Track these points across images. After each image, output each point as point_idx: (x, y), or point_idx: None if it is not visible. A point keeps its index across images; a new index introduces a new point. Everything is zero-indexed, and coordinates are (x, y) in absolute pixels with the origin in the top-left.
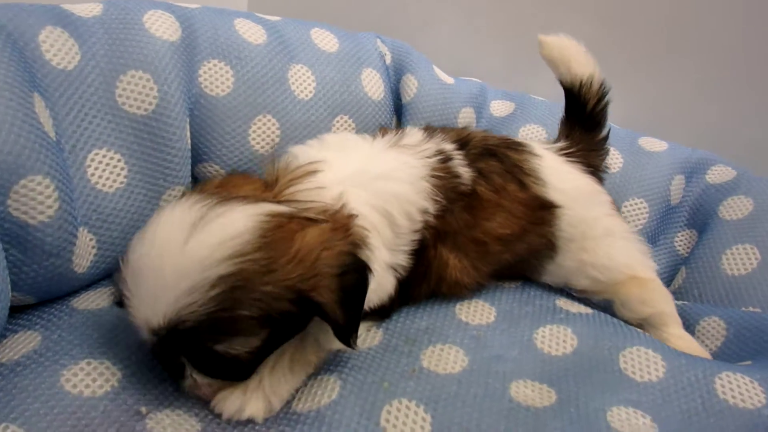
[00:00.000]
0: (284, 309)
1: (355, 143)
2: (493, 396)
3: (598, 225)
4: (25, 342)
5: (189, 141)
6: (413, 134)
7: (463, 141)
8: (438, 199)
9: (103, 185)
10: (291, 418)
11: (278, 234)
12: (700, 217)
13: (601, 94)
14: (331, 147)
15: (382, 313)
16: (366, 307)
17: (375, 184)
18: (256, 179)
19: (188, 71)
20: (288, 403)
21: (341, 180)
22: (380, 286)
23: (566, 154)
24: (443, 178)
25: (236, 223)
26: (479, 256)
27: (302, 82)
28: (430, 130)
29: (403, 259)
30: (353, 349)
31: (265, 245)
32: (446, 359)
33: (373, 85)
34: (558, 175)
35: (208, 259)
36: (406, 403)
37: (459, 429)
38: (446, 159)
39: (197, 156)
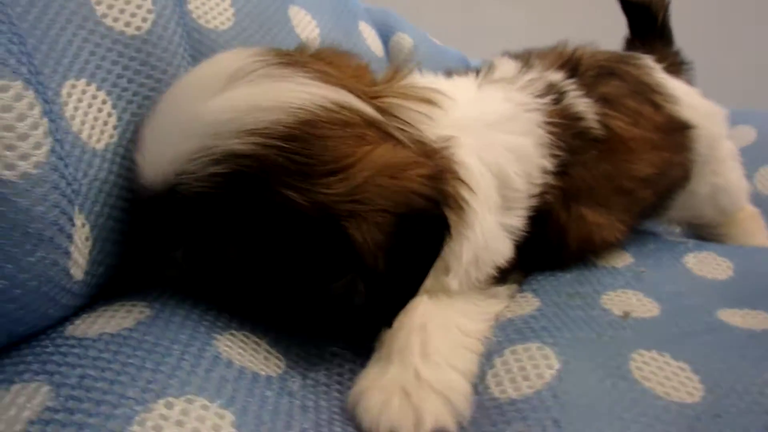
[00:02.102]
0: (303, 232)
1: (454, 84)
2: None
3: (723, 146)
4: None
5: None
6: (504, 64)
7: (572, 65)
8: (560, 153)
9: (89, 137)
10: (505, 410)
11: (337, 133)
12: None
13: (667, 4)
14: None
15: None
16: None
17: (489, 135)
18: (365, 70)
19: None
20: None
21: (454, 123)
22: (492, 250)
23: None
24: (563, 126)
25: (285, 96)
26: (625, 207)
27: (305, 25)
28: (522, 57)
29: (518, 222)
30: (389, 327)
31: (310, 139)
32: (631, 303)
33: (372, 40)
34: (683, 90)
35: (225, 126)
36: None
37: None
38: (560, 96)
39: None
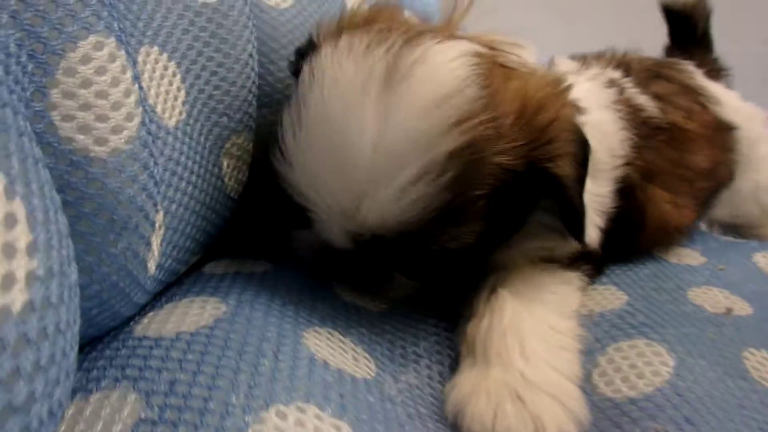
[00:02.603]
0: (516, 183)
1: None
2: None
3: (763, 146)
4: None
5: (257, 61)
6: (563, 62)
7: (625, 66)
8: (632, 136)
9: (163, 111)
10: (625, 410)
11: (496, 84)
12: None
13: (708, 14)
14: None
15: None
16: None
17: None
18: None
19: None
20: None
21: None
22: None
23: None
24: (630, 113)
25: (449, 70)
26: (690, 195)
27: (359, 6)
28: (578, 58)
29: (605, 191)
30: (585, 245)
31: (490, 100)
32: (719, 300)
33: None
34: (725, 93)
35: (431, 132)
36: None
37: None
38: (622, 89)
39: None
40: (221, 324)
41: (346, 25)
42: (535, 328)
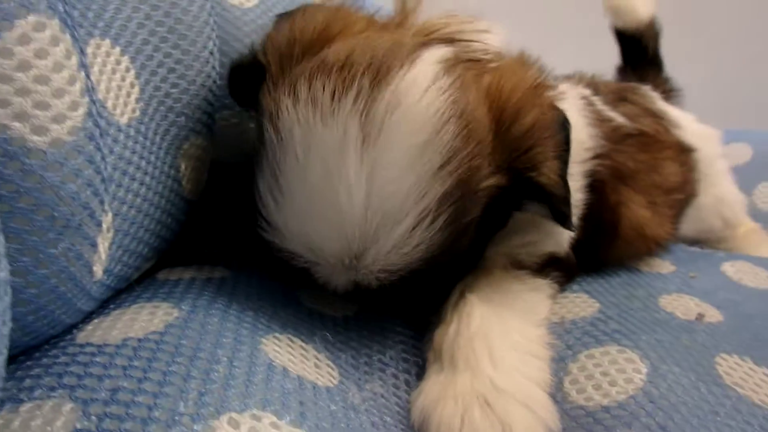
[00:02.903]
0: (503, 195)
1: None
2: None
3: (719, 163)
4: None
5: (218, 60)
6: None
7: (594, 86)
8: (602, 141)
9: (114, 107)
10: (598, 417)
11: (471, 96)
12: None
13: (659, 32)
14: None
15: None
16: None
17: None
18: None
19: None
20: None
21: None
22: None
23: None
24: (599, 120)
25: (424, 109)
26: (666, 205)
27: None
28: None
29: (576, 185)
30: (572, 231)
31: (469, 126)
32: (691, 307)
33: None
34: (684, 117)
35: (420, 182)
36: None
37: None
38: (591, 103)
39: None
40: (172, 329)
41: (298, 45)
42: (505, 335)
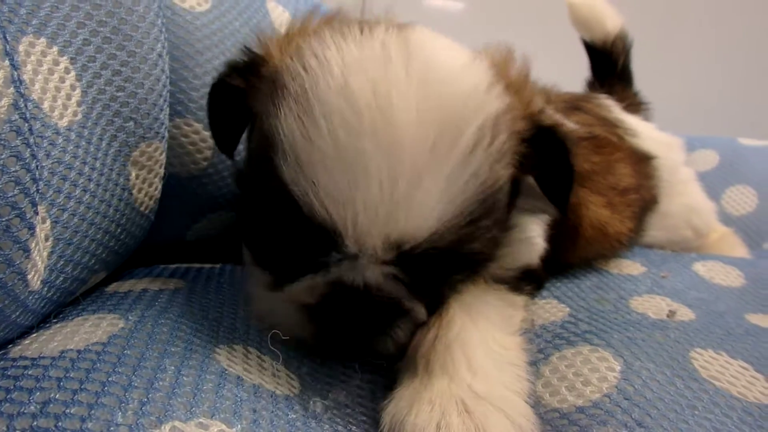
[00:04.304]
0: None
1: None
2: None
3: (683, 171)
4: None
5: (167, 62)
6: None
7: (545, 95)
8: None
9: (51, 110)
10: (573, 419)
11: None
12: None
13: (629, 47)
14: None
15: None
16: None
17: None
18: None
19: None
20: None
21: None
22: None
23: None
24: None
25: (452, 45)
26: (624, 205)
27: (282, 21)
28: None
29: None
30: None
31: (494, 72)
32: (662, 307)
33: None
34: (641, 124)
35: (475, 94)
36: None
37: None
38: (543, 109)
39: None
40: (116, 340)
41: (297, 33)
42: (483, 343)
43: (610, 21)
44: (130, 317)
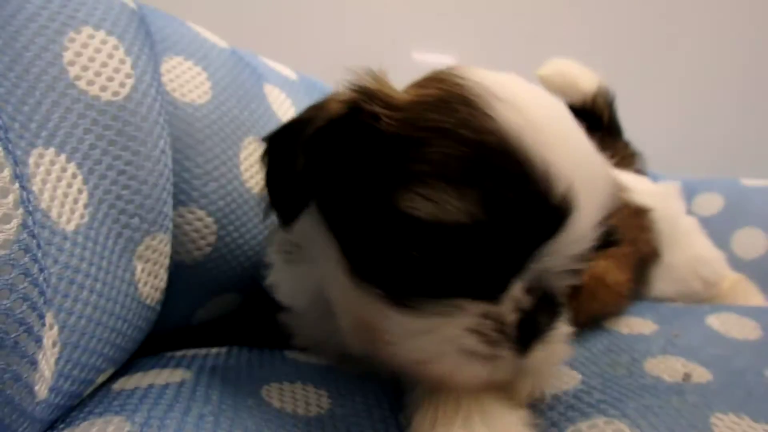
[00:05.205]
0: None
1: None
2: None
3: (684, 221)
4: None
5: (170, 157)
6: None
7: None
8: None
9: (59, 215)
10: None
11: None
12: None
13: (612, 100)
14: None
15: None
16: None
17: None
18: None
19: (154, 62)
20: None
21: None
22: None
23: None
24: None
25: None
26: (617, 255)
27: (281, 103)
28: None
29: None
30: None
31: None
32: (677, 368)
33: None
34: (634, 179)
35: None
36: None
37: None
38: None
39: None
40: None
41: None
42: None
43: (584, 81)
44: (135, 419)
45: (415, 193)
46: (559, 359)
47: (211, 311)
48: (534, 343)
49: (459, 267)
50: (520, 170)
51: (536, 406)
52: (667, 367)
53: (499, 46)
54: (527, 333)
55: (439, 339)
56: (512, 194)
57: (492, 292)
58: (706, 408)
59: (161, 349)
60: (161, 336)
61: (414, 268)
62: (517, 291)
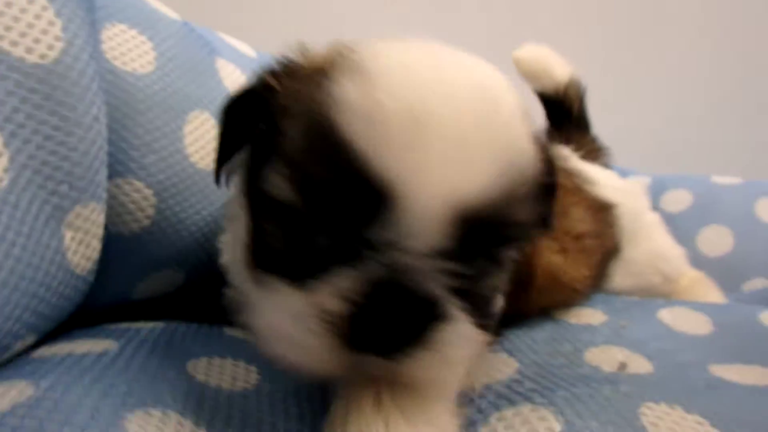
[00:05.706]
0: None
1: None
2: None
3: (647, 217)
4: None
5: (105, 125)
6: None
7: None
8: None
9: None
10: None
11: None
12: None
13: (583, 94)
14: None
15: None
16: None
17: None
18: None
19: (90, 26)
20: None
21: None
22: None
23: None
24: None
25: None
26: (581, 252)
27: (235, 79)
28: None
29: None
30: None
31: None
32: (618, 358)
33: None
34: (600, 173)
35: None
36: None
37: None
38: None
39: (108, 167)
40: (19, 410)
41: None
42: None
43: (558, 70)
44: (41, 384)
45: (270, 169)
46: (447, 368)
47: (151, 287)
48: (399, 346)
49: (293, 250)
50: (336, 149)
51: (467, 395)
52: (608, 357)
53: (478, 37)
54: (365, 329)
55: (276, 319)
56: (325, 174)
57: (312, 277)
58: (638, 398)
59: (102, 323)
60: (103, 310)
61: (270, 247)
62: (344, 280)
